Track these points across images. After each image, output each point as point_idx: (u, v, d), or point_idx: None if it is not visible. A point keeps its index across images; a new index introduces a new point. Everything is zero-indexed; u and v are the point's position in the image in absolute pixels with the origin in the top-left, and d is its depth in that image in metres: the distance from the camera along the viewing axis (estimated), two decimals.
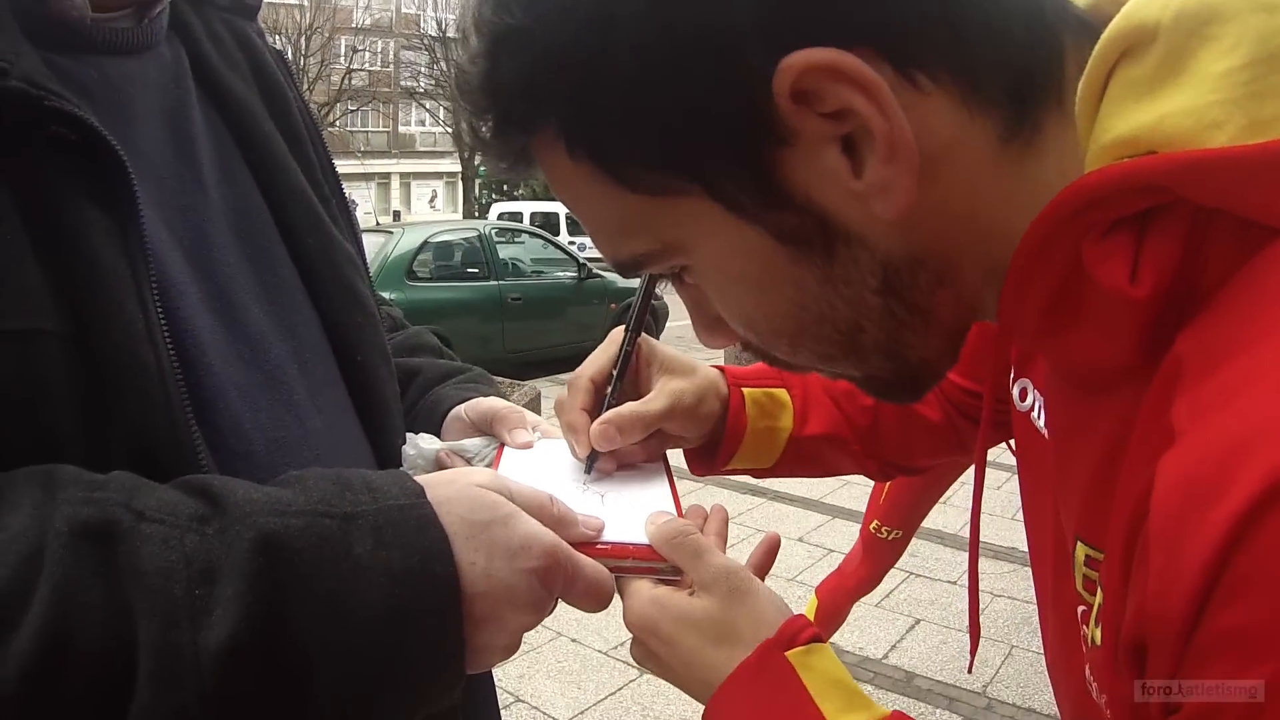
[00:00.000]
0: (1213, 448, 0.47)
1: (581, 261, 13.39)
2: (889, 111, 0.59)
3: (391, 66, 49.42)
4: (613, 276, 13.92)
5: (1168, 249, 0.57)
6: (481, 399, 1.25)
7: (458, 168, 46.42)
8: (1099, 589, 0.64)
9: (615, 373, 1.10)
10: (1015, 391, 0.90)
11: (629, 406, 1.08)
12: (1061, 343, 0.65)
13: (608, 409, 1.07)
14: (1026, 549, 0.90)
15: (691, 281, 0.75)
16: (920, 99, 0.61)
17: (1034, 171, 0.64)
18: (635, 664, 0.91)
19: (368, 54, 48.03)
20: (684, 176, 0.64)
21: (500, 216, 27.66)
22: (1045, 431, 0.82)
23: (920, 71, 0.60)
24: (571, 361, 11.75)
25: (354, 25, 47.06)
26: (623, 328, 1.12)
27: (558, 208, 30.27)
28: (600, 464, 1.08)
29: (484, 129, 0.69)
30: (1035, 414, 0.86)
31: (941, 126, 0.62)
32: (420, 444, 1.14)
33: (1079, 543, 0.69)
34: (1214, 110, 0.54)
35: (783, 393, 1.24)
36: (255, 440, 0.95)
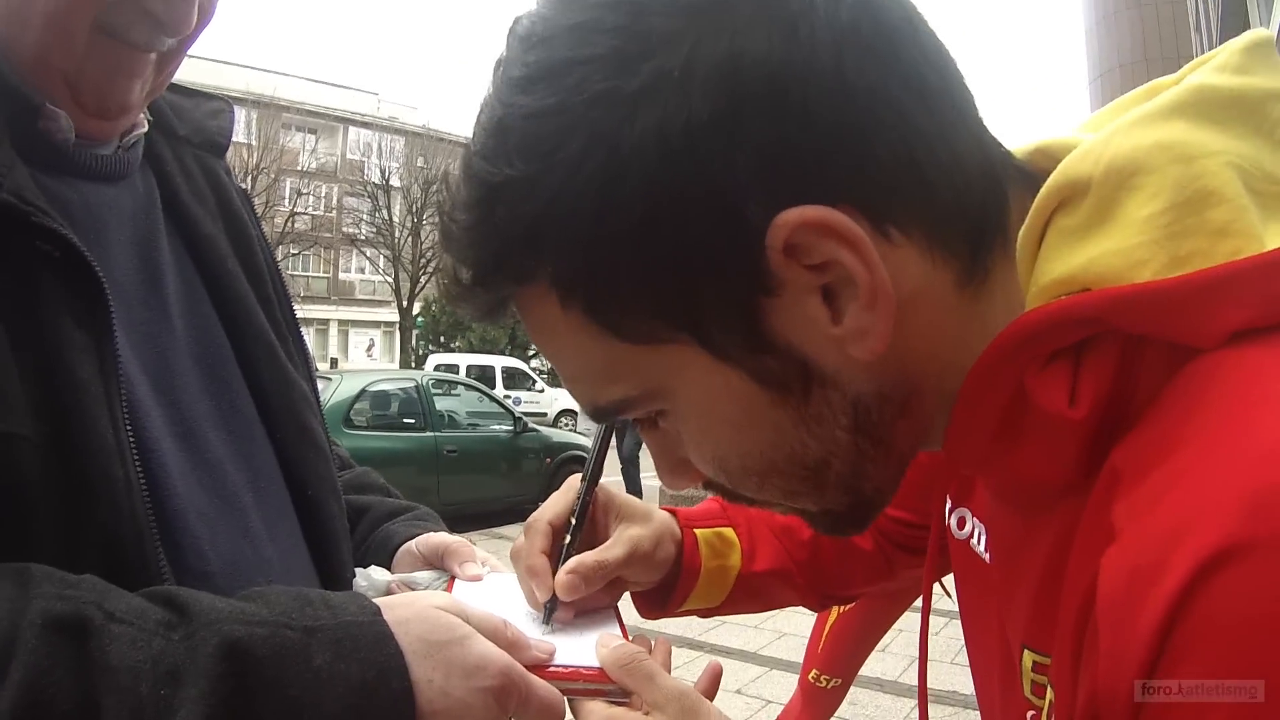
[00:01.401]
0: (1150, 538, 0.52)
1: (517, 416, 13.38)
2: (871, 263, 0.63)
3: (334, 212, 49.70)
4: (548, 431, 13.91)
5: (1102, 373, 0.62)
6: (432, 534, 1.26)
7: (396, 317, 46.48)
8: (1048, 689, 0.68)
9: (574, 520, 1.10)
10: (953, 521, 0.94)
11: (591, 555, 1.08)
12: (1007, 464, 0.70)
13: (567, 556, 1.08)
14: (968, 692, 0.93)
15: (665, 425, 0.77)
16: (892, 250, 0.65)
17: (983, 310, 0.69)
18: None
19: (311, 198, 48.28)
20: (674, 325, 0.66)
21: (437, 368, 27.68)
22: (986, 555, 0.86)
23: (893, 226, 0.64)
24: (506, 515, 11.66)
25: (299, 168, 47.37)
26: (579, 475, 1.13)
27: (494, 361, 30.43)
28: (559, 613, 1.06)
29: (466, 276, 0.71)
30: (975, 540, 0.90)
31: (910, 275, 0.66)
32: (372, 575, 1.16)
33: (1026, 650, 0.73)
34: (1139, 250, 0.61)
35: (730, 531, 1.27)
36: (213, 562, 0.97)
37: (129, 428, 0.90)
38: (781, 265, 0.63)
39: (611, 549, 1.10)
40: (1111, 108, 0.74)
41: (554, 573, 1.05)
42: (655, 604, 1.24)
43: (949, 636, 5.81)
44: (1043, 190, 0.67)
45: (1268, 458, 0.50)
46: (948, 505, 0.96)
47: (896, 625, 3.74)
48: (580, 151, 0.62)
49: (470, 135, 0.69)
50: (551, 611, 1.05)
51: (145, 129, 1.12)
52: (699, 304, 0.65)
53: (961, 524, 0.93)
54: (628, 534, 1.13)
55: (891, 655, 5.96)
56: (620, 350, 0.69)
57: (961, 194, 0.67)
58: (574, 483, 1.13)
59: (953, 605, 0.98)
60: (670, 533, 1.20)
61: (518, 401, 21.90)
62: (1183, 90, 0.67)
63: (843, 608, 3.48)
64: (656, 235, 0.63)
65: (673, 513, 1.24)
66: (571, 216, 0.63)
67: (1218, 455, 0.53)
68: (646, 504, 1.21)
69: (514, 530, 11.16)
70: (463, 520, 10.92)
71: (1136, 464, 0.58)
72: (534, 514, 1.12)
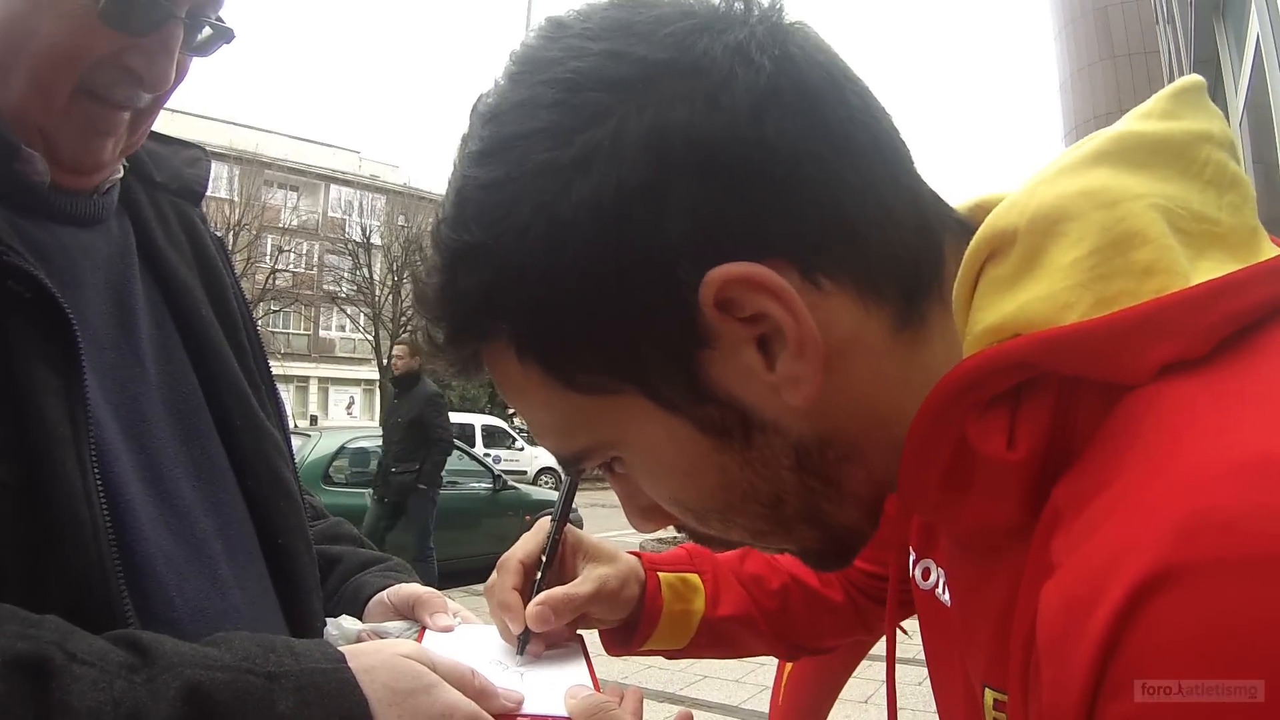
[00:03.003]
0: (1084, 569, 0.54)
1: (496, 473, 13.29)
2: (798, 314, 0.66)
3: (315, 269, 49.58)
4: (527, 488, 13.86)
5: (1038, 416, 0.65)
6: (403, 585, 1.26)
7: (376, 375, 46.18)
8: None
9: (544, 557, 1.15)
10: (918, 572, 0.96)
11: (560, 589, 1.13)
12: (956, 510, 0.71)
13: (538, 591, 1.12)
14: None
15: (623, 471, 0.80)
16: (823, 299, 0.67)
17: (923, 357, 0.72)
18: None
19: (293, 255, 48.11)
20: (621, 378, 0.70)
21: None
22: (949, 602, 0.87)
23: (823, 276, 0.67)
24: (485, 573, 11.35)
25: (281, 225, 47.26)
26: (549, 517, 1.18)
27: (474, 419, 30.34)
28: (531, 646, 1.11)
29: (439, 335, 0.74)
30: (939, 589, 0.91)
31: (842, 323, 0.69)
32: (343, 624, 1.15)
33: (986, 689, 0.74)
34: (1066, 294, 0.64)
35: (695, 577, 1.31)
36: (180, 608, 0.96)
37: (97, 471, 0.90)
38: (715, 319, 0.66)
39: (580, 585, 1.16)
40: (1054, 162, 0.77)
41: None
42: (620, 642, 1.29)
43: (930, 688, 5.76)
44: (973, 242, 0.70)
45: (1195, 485, 0.52)
46: (912, 557, 0.98)
47: (877, 677, 3.71)
48: (526, 219, 0.66)
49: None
50: (525, 643, 1.10)
51: (121, 174, 1.13)
52: (641, 358, 0.69)
53: (926, 575, 0.95)
54: (596, 572, 1.19)
55: (875, 706, 5.89)
56: (575, 402, 0.72)
57: (892, 244, 0.69)
58: (544, 524, 1.18)
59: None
60: (635, 574, 1.25)
61: (497, 459, 21.73)
62: (1105, 139, 0.71)
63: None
64: (597, 295, 0.67)
65: (639, 556, 1.29)
66: (520, 279, 0.68)
67: (1148, 486, 0.54)
68: (613, 546, 1.26)
69: None
70: (442, 577, 10.80)
71: (1074, 500, 0.59)
72: (505, 554, 1.17)
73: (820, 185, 0.66)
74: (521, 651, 1.10)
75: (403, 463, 9.13)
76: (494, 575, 1.17)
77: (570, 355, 0.70)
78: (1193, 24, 9.78)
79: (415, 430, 9.06)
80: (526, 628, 1.09)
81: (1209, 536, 0.49)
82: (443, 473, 9.55)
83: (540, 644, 1.12)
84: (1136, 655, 0.49)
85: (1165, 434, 0.57)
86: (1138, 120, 0.72)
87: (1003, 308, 0.66)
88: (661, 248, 0.65)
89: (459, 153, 0.72)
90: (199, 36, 1.05)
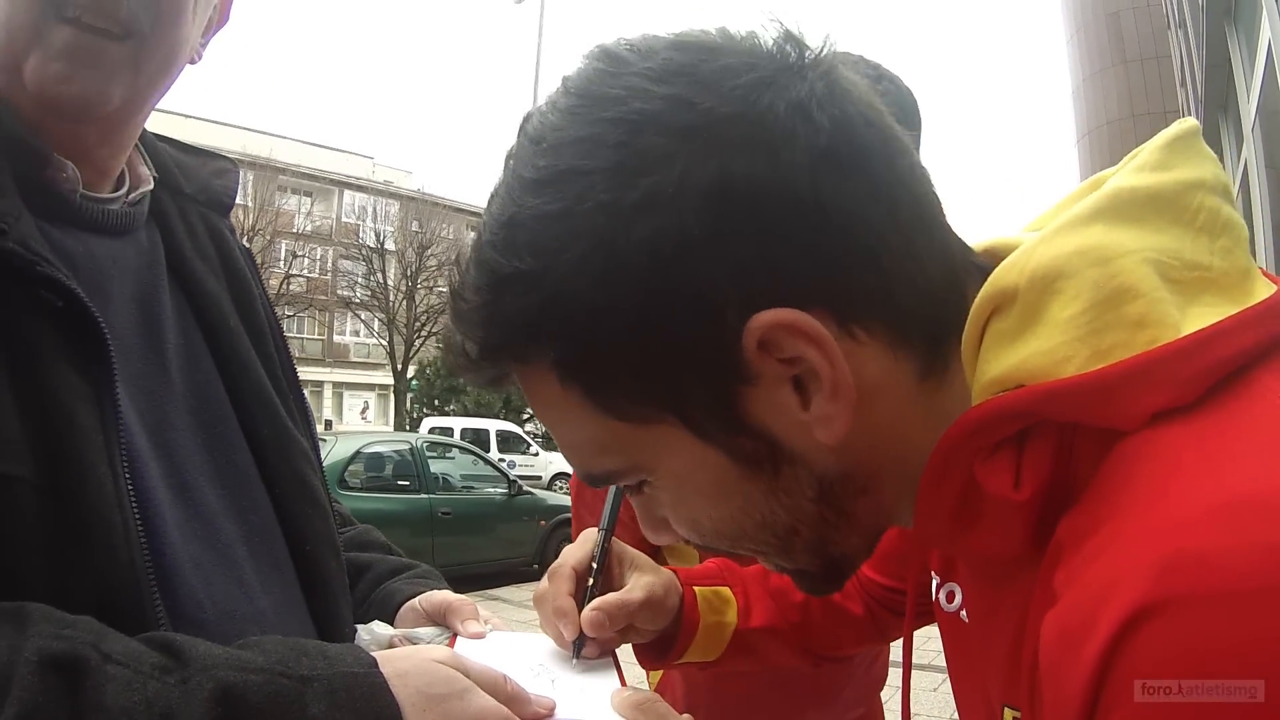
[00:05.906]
0: (1079, 601, 0.59)
1: (512, 479, 13.33)
2: (834, 360, 0.70)
3: (329, 275, 49.68)
4: (543, 494, 13.88)
5: (1041, 459, 0.69)
6: (435, 592, 1.27)
7: (390, 380, 46.30)
8: None
9: (595, 565, 1.19)
10: (942, 595, 1.00)
11: (614, 595, 1.17)
12: (967, 542, 0.76)
13: (591, 597, 1.15)
14: None
15: (648, 492, 0.83)
16: (857, 347, 0.72)
17: (942, 401, 0.76)
18: None
19: (306, 260, 48.22)
20: (662, 408, 0.74)
21: (431, 431, 27.56)
22: (969, 622, 0.92)
23: (858, 326, 0.72)
24: (501, 577, 11.55)
25: (294, 231, 47.35)
26: (596, 528, 1.22)
27: (489, 424, 30.34)
28: (586, 649, 1.13)
29: (473, 351, 0.76)
30: (963, 611, 0.95)
31: (873, 369, 0.73)
32: (375, 630, 1.16)
33: (1005, 708, 0.79)
34: (1063, 349, 0.68)
35: (727, 590, 1.34)
36: (208, 610, 0.97)
37: (128, 475, 0.91)
38: (756, 359, 0.70)
39: (632, 591, 1.19)
40: (1055, 208, 0.82)
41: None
42: (656, 655, 1.31)
43: (945, 693, 5.81)
44: (977, 299, 0.74)
45: (1176, 526, 0.57)
46: (935, 580, 1.02)
47: (893, 683, 3.69)
48: (583, 254, 0.69)
49: (482, 221, 0.76)
50: (580, 648, 1.13)
51: (151, 185, 1.14)
52: (684, 391, 0.72)
53: (950, 598, 0.99)
54: (644, 580, 1.22)
55: (890, 713, 5.88)
56: (612, 427, 0.75)
57: (923, 297, 0.74)
58: (590, 534, 1.22)
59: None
60: (674, 586, 1.28)
61: (512, 465, 21.80)
62: (1100, 196, 0.74)
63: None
64: (648, 331, 0.70)
65: (674, 571, 1.31)
66: (571, 310, 0.70)
67: (1136, 525, 0.60)
68: (650, 558, 1.28)
69: (508, 592, 11.09)
70: (457, 582, 10.57)
71: (1074, 536, 0.65)
72: (556, 561, 1.21)
73: (864, 245, 0.70)
74: (577, 655, 1.12)
75: None
76: (544, 583, 1.20)
77: (615, 385, 0.73)
78: (1204, 29, 9.76)
79: None
80: (582, 633, 1.12)
81: (1186, 574, 0.54)
82: None
83: (595, 648, 1.14)
84: (1123, 681, 0.54)
85: (1154, 477, 0.62)
86: (1132, 174, 0.76)
87: (1006, 360, 0.70)
88: (713, 292, 0.69)
89: (507, 174, 0.74)
90: None
